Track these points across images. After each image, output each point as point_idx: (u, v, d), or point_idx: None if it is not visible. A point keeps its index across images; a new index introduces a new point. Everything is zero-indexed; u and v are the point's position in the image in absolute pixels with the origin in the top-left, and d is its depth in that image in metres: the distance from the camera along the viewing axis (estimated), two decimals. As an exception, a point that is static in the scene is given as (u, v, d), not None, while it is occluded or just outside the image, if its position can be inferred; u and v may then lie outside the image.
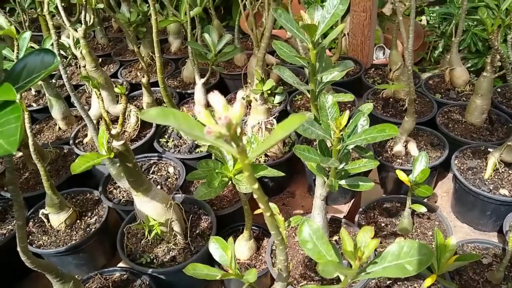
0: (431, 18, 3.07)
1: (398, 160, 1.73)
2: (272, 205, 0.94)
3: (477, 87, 1.80)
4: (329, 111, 1.04)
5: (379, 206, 1.57)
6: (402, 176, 1.34)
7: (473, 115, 1.87)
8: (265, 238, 1.49)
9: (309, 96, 1.15)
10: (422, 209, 1.35)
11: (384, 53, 3.11)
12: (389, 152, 1.77)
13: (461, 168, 1.65)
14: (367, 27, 2.38)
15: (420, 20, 3.88)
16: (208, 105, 2.12)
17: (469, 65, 2.73)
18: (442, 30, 2.92)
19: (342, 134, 1.00)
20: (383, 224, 1.50)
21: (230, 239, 0.83)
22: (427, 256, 0.71)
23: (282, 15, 1.06)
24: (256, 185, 0.65)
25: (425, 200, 1.72)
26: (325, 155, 1.10)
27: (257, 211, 1.01)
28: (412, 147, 1.75)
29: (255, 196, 0.67)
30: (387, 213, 1.54)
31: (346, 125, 1.03)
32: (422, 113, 1.98)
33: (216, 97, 0.57)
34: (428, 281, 1.02)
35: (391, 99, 2.09)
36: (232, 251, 0.81)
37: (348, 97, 1.13)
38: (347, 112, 0.98)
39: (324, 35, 1.06)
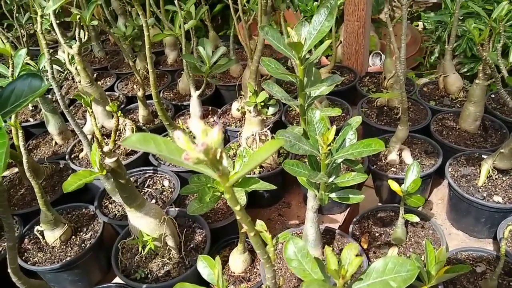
0: (428, 23, 3.08)
1: (392, 169, 1.74)
2: (259, 222, 0.94)
3: (470, 94, 1.81)
4: (317, 126, 1.05)
5: (373, 216, 1.57)
6: (394, 186, 1.34)
7: (467, 122, 1.88)
8: (260, 251, 1.49)
9: (298, 110, 1.16)
10: (415, 218, 1.36)
11: (380, 60, 3.12)
12: (383, 160, 1.78)
13: (455, 175, 1.65)
14: (361, 36, 2.39)
15: (417, 25, 3.90)
16: (203, 117, 2.14)
17: (465, 70, 2.74)
18: (438, 35, 2.93)
19: (330, 149, 1.01)
20: (377, 234, 1.50)
21: (217, 258, 0.84)
22: (411, 273, 0.72)
23: (269, 33, 1.07)
24: (238, 207, 0.66)
25: (420, 208, 1.73)
26: (314, 169, 1.11)
27: (242, 230, 1.02)
28: (406, 155, 1.76)
29: (237, 217, 0.68)
30: (381, 222, 1.54)
31: (334, 139, 1.04)
32: (416, 121, 1.99)
33: (195, 123, 0.58)
34: (419, 293, 1.02)
35: (385, 107, 2.09)
36: (219, 269, 0.82)
37: (336, 111, 1.13)
38: (334, 128, 0.99)
39: (315, 46, 1.07)
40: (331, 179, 1.09)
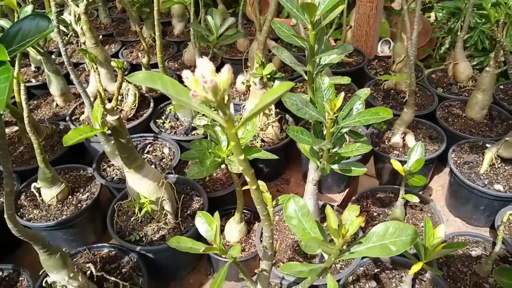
0: (441, 13, 3.03)
1: (395, 152, 1.72)
2: (260, 182, 0.93)
3: (480, 82, 1.78)
4: (325, 93, 1.03)
5: (373, 196, 1.56)
6: (396, 165, 1.33)
7: (474, 110, 1.86)
8: (256, 222, 1.49)
9: (306, 78, 1.14)
10: (415, 199, 1.35)
11: (389, 47, 3.07)
12: (386, 143, 1.76)
13: (458, 162, 1.64)
14: (373, 18, 2.35)
15: (429, 17, 3.84)
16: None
17: (474, 63, 2.70)
18: (450, 26, 2.89)
19: (336, 116, 0.99)
20: (375, 214, 1.49)
21: (216, 213, 0.83)
22: (411, 237, 0.70)
23: (282, -6, 1.04)
24: (242, 156, 0.64)
25: (420, 193, 1.72)
26: (318, 137, 1.09)
27: (245, 187, 1.00)
28: (410, 139, 1.74)
29: (241, 168, 0.66)
30: (380, 203, 1.53)
31: (341, 108, 1.02)
32: (422, 106, 1.97)
33: (205, 62, 0.56)
34: (415, 267, 1.02)
35: (392, 91, 2.07)
36: (217, 225, 0.81)
37: (345, 79, 1.11)
38: (342, 94, 0.97)
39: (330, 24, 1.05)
40: (335, 149, 1.07)
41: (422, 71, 2.26)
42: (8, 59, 0.70)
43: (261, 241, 1.32)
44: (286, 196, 0.96)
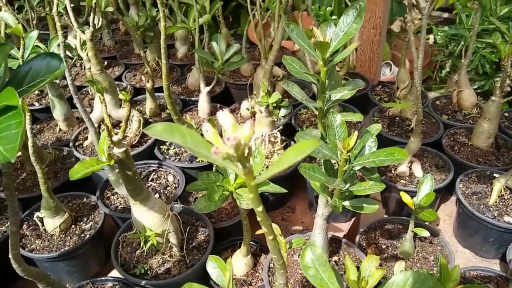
0: (440, 37, 3.06)
1: (401, 181, 1.71)
2: (274, 225, 0.91)
3: (485, 111, 1.78)
4: (337, 130, 1.02)
5: (381, 227, 1.54)
6: (406, 198, 1.31)
7: (480, 139, 1.85)
8: (262, 254, 1.46)
9: (316, 112, 1.13)
10: (425, 233, 1.33)
11: (391, 70, 3.09)
12: (393, 172, 1.75)
13: (466, 192, 1.62)
14: (376, 44, 2.37)
15: (428, 39, 3.88)
16: (211, 114, 2.10)
17: (475, 86, 2.71)
18: (450, 50, 2.91)
19: (349, 155, 0.97)
20: (384, 246, 1.46)
21: (229, 260, 0.80)
22: (433, 290, 0.68)
23: (294, 30, 1.04)
24: (260, 208, 0.63)
25: (427, 223, 1.69)
26: (330, 175, 1.07)
27: (259, 232, 0.98)
28: (417, 168, 1.72)
29: (258, 218, 0.65)
30: (388, 234, 1.51)
31: (353, 146, 1.01)
32: (428, 134, 1.96)
33: (225, 116, 0.55)
34: (431, 311, 0.99)
35: (397, 118, 2.06)
36: (231, 272, 0.78)
37: (357, 117, 1.10)
38: (356, 133, 0.96)
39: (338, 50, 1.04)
40: (346, 187, 1.06)
41: (427, 97, 2.26)
42: (20, 103, 0.69)
43: (268, 275, 1.29)
44: (300, 240, 0.94)
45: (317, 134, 1.09)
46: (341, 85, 1.08)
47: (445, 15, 4.24)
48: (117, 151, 1.18)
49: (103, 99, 1.26)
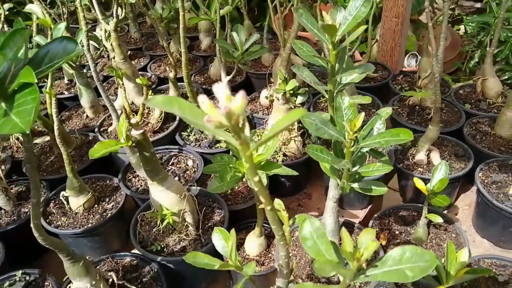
0: (470, 27, 2.98)
1: (419, 169, 1.69)
2: (277, 201, 0.94)
3: (510, 99, 1.74)
4: (345, 112, 1.03)
5: (395, 214, 1.54)
6: (419, 184, 1.31)
7: (503, 128, 1.81)
8: (276, 237, 1.49)
9: (327, 96, 1.14)
10: (438, 219, 1.32)
11: (417, 61, 3.04)
12: (410, 160, 1.73)
13: (485, 181, 1.60)
14: (398, 33, 2.34)
15: (458, 29, 3.78)
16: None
17: (505, 77, 2.63)
18: (479, 40, 2.83)
19: (356, 136, 0.99)
20: (397, 232, 1.47)
21: (232, 230, 0.84)
22: (429, 263, 0.69)
23: (303, 15, 1.06)
24: (256, 178, 0.66)
25: (445, 212, 1.68)
26: (338, 156, 1.09)
27: (261, 206, 1.01)
28: (435, 157, 1.71)
29: (256, 188, 0.68)
30: (402, 221, 1.51)
31: (362, 127, 1.02)
32: (448, 123, 1.93)
33: (220, 88, 0.58)
34: (435, 292, 1.00)
35: (417, 107, 2.04)
36: (233, 242, 0.82)
37: (366, 99, 1.11)
38: (362, 114, 0.97)
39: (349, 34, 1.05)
40: (355, 168, 1.07)
41: (449, 86, 2.22)
42: (36, 81, 0.74)
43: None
44: (303, 216, 0.96)
45: (326, 117, 1.11)
46: (351, 69, 1.09)
47: (478, 5, 4.11)
48: (135, 133, 1.23)
49: (122, 84, 1.32)
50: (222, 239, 0.86)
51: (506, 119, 1.78)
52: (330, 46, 1.03)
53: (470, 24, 3.15)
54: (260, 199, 1.32)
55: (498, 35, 1.95)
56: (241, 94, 0.58)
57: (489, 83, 2.06)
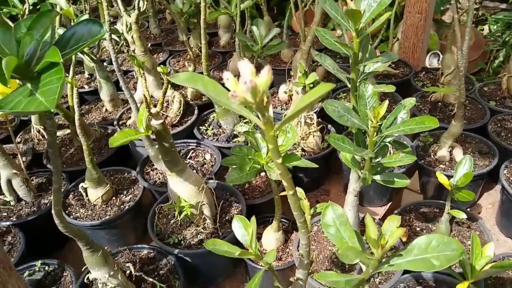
0: (496, 26, 2.91)
1: (441, 165, 1.65)
2: (298, 189, 0.92)
3: (536, 95, 1.69)
4: (368, 100, 1.01)
5: (416, 210, 1.50)
6: (442, 178, 1.27)
7: (529, 126, 1.75)
8: (294, 232, 1.47)
9: (349, 86, 1.12)
10: (462, 215, 1.28)
11: (438, 60, 2.98)
12: (432, 156, 1.69)
13: (511, 178, 1.55)
14: (421, 29, 2.29)
15: (482, 30, 3.70)
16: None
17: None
18: (504, 39, 2.76)
19: (380, 125, 0.96)
20: (418, 229, 1.43)
21: (253, 218, 0.82)
22: (456, 252, 0.67)
23: (327, 2, 1.04)
24: (279, 160, 0.64)
25: (468, 210, 1.63)
26: (360, 147, 1.06)
27: (283, 193, 0.99)
28: (458, 153, 1.66)
29: (278, 171, 0.66)
30: (423, 217, 1.47)
31: (385, 117, 1.00)
32: (472, 120, 1.88)
33: (245, 64, 0.57)
34: (460, 287, 0.96)
35: (439, 103, 2.00)
36: (254, 230, 0.80)
37: (389, 87, 1.08)
38: (386, 102, 0.95)
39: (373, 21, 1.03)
40: (377, 159, 1.05)
41: (473, 83, 2.17)
42: (61, 61, 0.74)
43: (298, 250, 1.30)
44: (324, 204, 0.94)
45: (349, 105, 1.08)
46: (375, 57, 1.07)
47: (503, 5, 4.02)
48: (154, 122, 1.23)
49: (143, 73, 1.32)
50: (242, 228, 0.85)
51: (533, 116, 1.73)
52: (354, 33, 1.01)
53: (494, 23, 3.07)
54: (278, 193, 1.30)
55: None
56: (267, 69, 0.56)
57: (515, 80, 2.01)
